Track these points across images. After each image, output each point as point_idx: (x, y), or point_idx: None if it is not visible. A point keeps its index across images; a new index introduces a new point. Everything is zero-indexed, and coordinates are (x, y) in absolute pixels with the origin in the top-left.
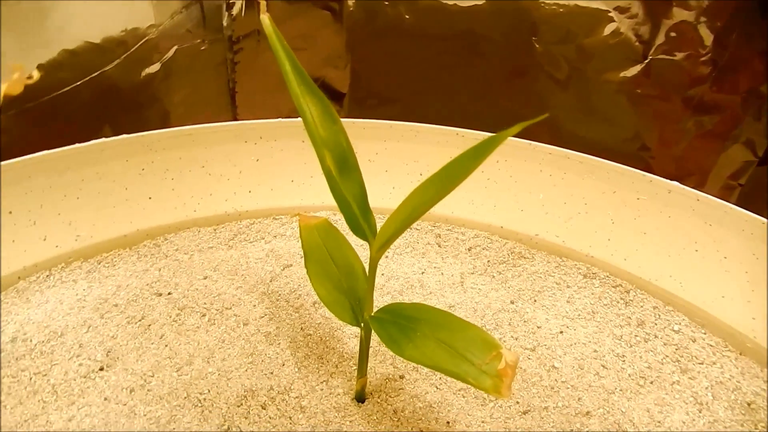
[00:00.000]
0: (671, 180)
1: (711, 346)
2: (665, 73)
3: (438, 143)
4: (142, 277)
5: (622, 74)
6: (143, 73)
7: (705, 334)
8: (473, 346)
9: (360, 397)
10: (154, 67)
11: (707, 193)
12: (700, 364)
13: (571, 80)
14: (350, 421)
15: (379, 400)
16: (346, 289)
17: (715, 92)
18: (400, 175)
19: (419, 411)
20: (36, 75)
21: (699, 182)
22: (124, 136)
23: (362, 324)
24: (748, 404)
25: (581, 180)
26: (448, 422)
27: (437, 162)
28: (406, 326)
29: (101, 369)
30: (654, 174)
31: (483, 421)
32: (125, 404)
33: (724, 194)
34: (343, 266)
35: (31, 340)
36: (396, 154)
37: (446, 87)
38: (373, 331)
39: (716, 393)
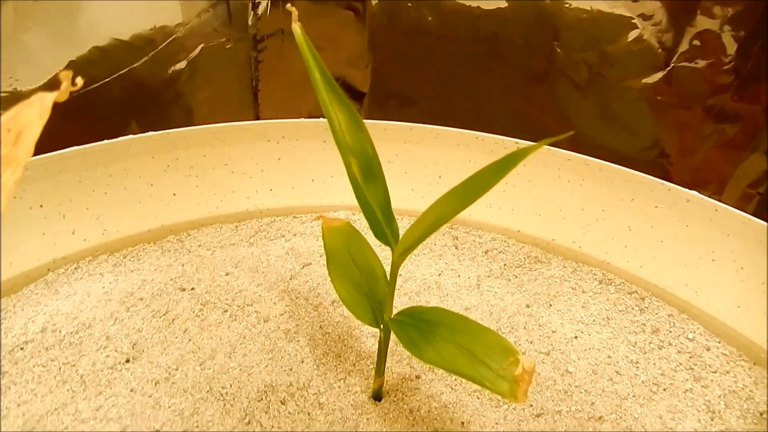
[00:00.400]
0: (689, 189)
1: (725, 355)
2: (687, 81)
3: (457, 146)
4: (166, 272)
5: (643, 81)
6: (170, 71)
7: (719, 343)
8: (491, 351)
9: (377, 396)
10: (181, 65)
11: (725, 202)
12: (713, 372)
13: (592, 86)
14: (367, 419)
15: (395, 399)
16: (367, 291)
17: (736, 101)
18: (420, 177)
19: (434, 411)
20: (80, 82)
21: (717, 190)
22: (151, 133)
23: (382, 326)
24: (761, 414)
25: (599, 187)
26: (462, 423)
27: (456, 164)
28: (426, 329)
29: (127, 361)
30: (672, 182)
31: (497, 423)
32: (150, 396)
33: (742, 203)
34: (365, 269)
35: (60, 331)
36: (416, 156)
37: (467, 90)
38: (391, 333)
39: (729, 402)
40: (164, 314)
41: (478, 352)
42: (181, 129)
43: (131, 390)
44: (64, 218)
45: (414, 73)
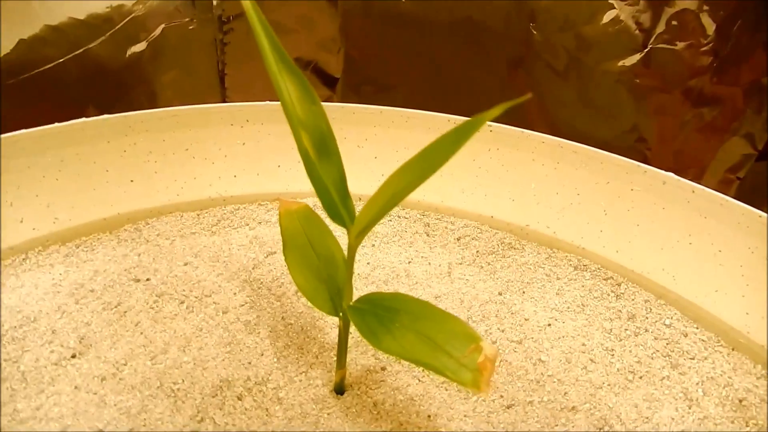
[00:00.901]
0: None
1: (703, 341)
2: (665, 63)
3: (429, 129)
4: (120, 263)
5: (621, 63)
6: (129, 52)
7: (697, 329)
8: (454, 338)
9: (339, 389)
10: (141, 46)
11: (705, 186)
12: (691, 359)
13: (570, 70)
14: (328, 414)
15: (358, 393)
16: (326, 278)
17: (716, 84)
18: (390, 162)
19: (400, 404)
20: None
21: (697, 175)
22: (106, 116)
23: (341, 314)
24: (740, 401)
25: (574, 170)
26: (429, 416)
27: None
28: (385, 317)
29: (73, 356)
30: (651, 166)
31: (465, 416)
32: (95, 393)
33: (722, 188)
34: (324, 254)
35: (3, 326)
36: (386, 141)
37: (444, 75)
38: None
39: (707, 389)
40: (116, 306)
41: (439, 340)
42: (139, 112)
43: (75, 387)
44: (11, 206)
45: (389, 59)
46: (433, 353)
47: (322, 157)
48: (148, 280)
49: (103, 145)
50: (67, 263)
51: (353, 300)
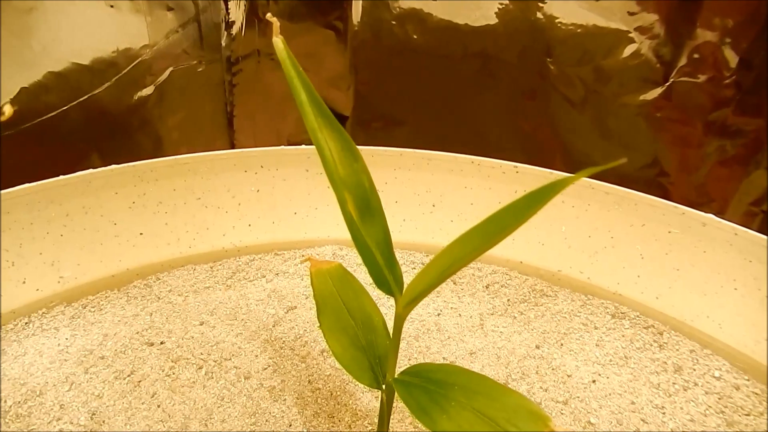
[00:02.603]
0: (691, 207)
1: (756, 394)
2: (687, 96)
3: (451, 171)
4: (131, 324)
5: (641, 97)
6: (135, 97)
7: (748, 380)
8: (516, 417)
9: None
10: (148, 90)
11: (728, 220)
12: (746, 415)
13: (588, 103)
14: None
15: None
16: (365, 345)
17: (738, 116)
18: (412, 206)
19: None
20: (8, 110)
21: (720, 209)
22: (114, 166)
23: (384, 386)
24: None
25: (607, 212)
26: None
27: (451, 191)
28: (437, 392)
29: None
30: (672, 201)
31: None
32: None
33: (745, 221)
34: (360, 318)
35: (6, 401)
36: (407, 184)
37: (456, 110)
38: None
39: None
40: (129, 375)
41: (501, 420)
42: (147, 161)
43: None
44: (13, 266)
45: (399, 94)
46: None
47: (365, 219)
48: (162, 343)
49: (110, 196)
50: (74, 326)
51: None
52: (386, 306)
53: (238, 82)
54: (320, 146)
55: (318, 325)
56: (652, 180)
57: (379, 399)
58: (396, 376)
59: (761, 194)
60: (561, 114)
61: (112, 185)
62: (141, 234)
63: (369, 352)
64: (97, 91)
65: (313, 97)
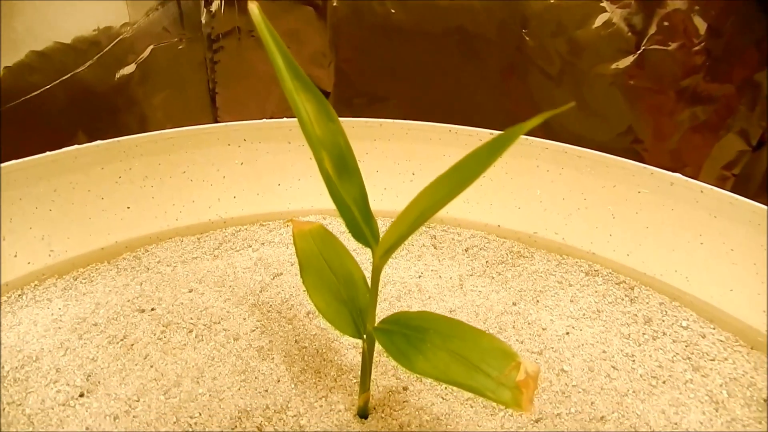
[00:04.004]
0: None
1: (721, 341)
2: (659, 64)
3: (430, 141)
4: (122, 293)
5: (614, 66)
6: (118, 75)
7: (714, 329)
8: (489, 356)
9: (363, 413)
10: (130, 68)
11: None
12: (711, 360)
13: (564, 75)
14: None
15: (383, 415)
16: (346, 299)
17: (709, 82)
18: (392, 176)
19: (426, 425)
20: None
21: (693, 174)
22: (99, 142)
23: (365, 336)
24: (765, 400)
25: (580, 175)
26: None
27: (430, 160)
28: (415, 337)
29: (81, 395)
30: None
31: None
32: None
33: (718, 185)
34: (342, 275)
35: (3, 367)
36: (387, 154)
37: (438, 85)
38: (376, 343)
39: (731, 390)
40: (122, 340)
41: (474, 359)
42: (133, 136)
43: (87, 428)
44: (4, 240)
45: (381, 70)
46: (469, 373)
47: (342, 176)
48: (153, 310)
49: (96, 172)
50: (66, 297)
51: (376, 321)
52: (365, 267)
53: (220, 60)
54: (297, 108)
55: (303, 284)
56: (627, 148)
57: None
58: (376, 325)
59: (732, 158)
60: (539, 87)
61: (98, 161)
62: (128, 208)
63: (350, 305)
64: (79, 70)
65: (289, 61)
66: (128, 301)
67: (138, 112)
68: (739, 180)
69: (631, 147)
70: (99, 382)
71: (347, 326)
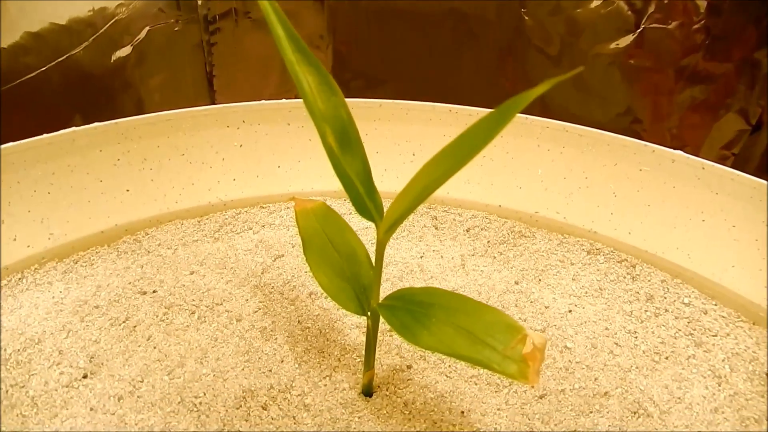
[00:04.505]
0: None
1: (723, 317)
2: (658, 43)
3: (430, 121)
4: (123, 276)
5: (613, 45)
6: (114, 57)
7: (716, 305)
8: (494, 329)
9: (367, 391)
10: (126, 50)
11: None
12: (713, 336)
13: (563, 55)
14: (359, 418)
15: (387, 393)
16: (350, 276)
17: (708, 61)
18: (392, 156)
19: (431, 402)
20: None
21: (692, 153)
22: (97, 124)
23: (369, 313)
24: (767, 375)
25: (580, 154)
26: (462, 412)
27: (430, 140)
28: (419, 312)
29: (85, 377)
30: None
31: (499, 409)
32: (114, 414)
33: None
34: (345, 252)
35: (5, 350)
36: (387, 135)
37: (436, 67)
38: (380, 320)
39: (734, 365)
40: (124, 321)
41: (479, 333)
42: (130, 118)
43: (91, 409)
44: (3, 224)
45: (378, 52)
46: (474, 346)
47: (345, 150)
48: (154, 292)
49: (95, 154)
50: (67, 280)
51: (380, 298)
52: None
53: (217, 42)
54: (299, 80)
55: (306, 263)
56: (626, 128)
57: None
58: (380, 301)
59: (732, 138)
60: (537, 68)
61: (96, 143)
62: (128, 191)
63: (354, 282)
64: (75, 51)
65: (290, 32)
66: (129, 283)
67: (134, 95)
68: (738, 160)
69: (630, 127)
70: (102, 364)
71: (351, 303)
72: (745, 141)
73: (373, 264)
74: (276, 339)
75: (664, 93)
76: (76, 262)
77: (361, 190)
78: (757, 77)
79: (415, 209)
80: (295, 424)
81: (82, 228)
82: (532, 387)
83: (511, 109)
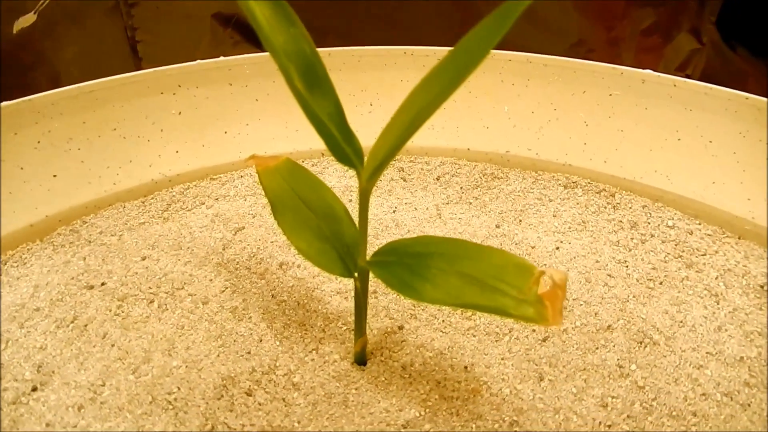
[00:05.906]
0: None
1: (709, 235)
2: None
3: (385, 66)
4: (64, 271)
5: None
6: (17, 27)
7: (700, 224)
8: (504, 273)
9: (360, 360)
10: (29, 18)
11: None
12: (702, 255)
13: None
14: (356, 389)
15: (382, 359)
16: (330, 236)
17: None
18: (349, 108)
19: (430, 361)
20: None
21: None
22: (6, 103)
23: (356, 274)
24: (761, 287)
25: (547, 85)
26: (465, 367)
27: (387, 88)
28: (417, 264)
29: (34, 389)
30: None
31: (503, 358)
32: (75, 426)
33: None
34: (321, 210)
35: None
36: (340, 85)
37: (387, 12)
38: (369, 280)
39: (728, 281)
40: (72, 321)
41: (488, 278)
42: (46, 93)
43: (47, 425)
44: None
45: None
46: (485, 294)
47: (314, 90)
48: (103, 284)
49: (9, 138)
50: None
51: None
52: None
53: (137, 2)
54: (252, 13)
55: (273, 231)
56: (581, 59)
57: (351, 297)
58: (369, 258)
59: (685, 58)
60: (486, 2)
61: (9, 126)
62: (54, 176)
63: (335, 242)
64: None
65: None
66: (72, 279)
67: (49, 71)
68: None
69: (585, 57)
70: (53, 372)
71: (335, 265)
72: (697, 61)
73: (356, 218)
74: (250, 318)
75: (615, 18)
76: (5, 263)
77: (336, 134)
78: None
79: (401, 147)
80: (286, 406)
81: (7, 223)
82: (522, 329)
83: (515, 9)
